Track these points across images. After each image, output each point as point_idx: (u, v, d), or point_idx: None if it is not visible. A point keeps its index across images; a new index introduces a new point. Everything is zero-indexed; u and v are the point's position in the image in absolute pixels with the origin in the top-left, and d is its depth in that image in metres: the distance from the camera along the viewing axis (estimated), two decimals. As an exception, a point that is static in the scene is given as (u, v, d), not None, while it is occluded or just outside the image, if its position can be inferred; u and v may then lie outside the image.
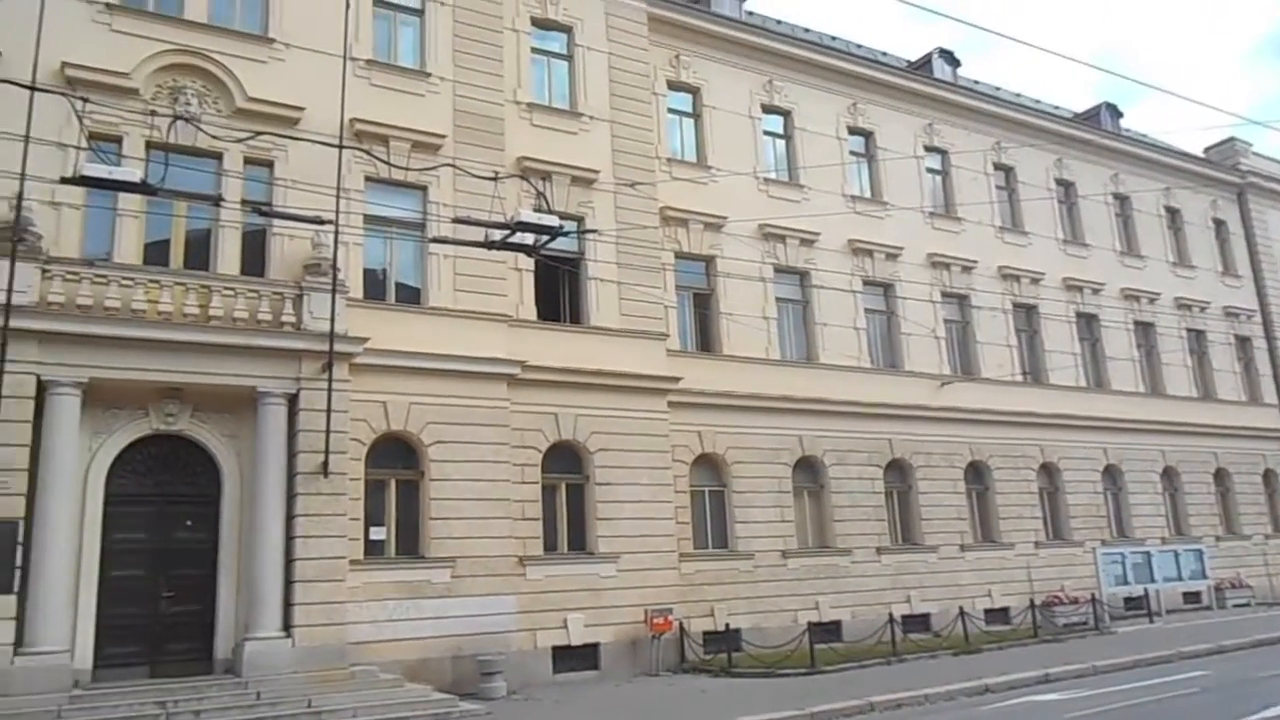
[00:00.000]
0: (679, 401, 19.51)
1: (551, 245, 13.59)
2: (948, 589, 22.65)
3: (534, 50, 19.76)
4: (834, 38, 28.76)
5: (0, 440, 12.69)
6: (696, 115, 22.61)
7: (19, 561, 12.62)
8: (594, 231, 15.63)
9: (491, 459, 16.76)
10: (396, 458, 16.42)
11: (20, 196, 13.20)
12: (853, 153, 24.92)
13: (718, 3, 24.32)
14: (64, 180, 10.10)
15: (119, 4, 15.56)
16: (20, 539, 12.66)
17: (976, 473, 24.59)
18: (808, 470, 21.85)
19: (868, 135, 25.33)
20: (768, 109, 23.62)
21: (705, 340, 21.38)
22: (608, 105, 20.14)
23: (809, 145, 23.92)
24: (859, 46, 28.75)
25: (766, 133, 23.55)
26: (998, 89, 31.12)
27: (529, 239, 12.25)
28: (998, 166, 27.75)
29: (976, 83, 30.53)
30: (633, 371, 18.78)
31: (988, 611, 22.93)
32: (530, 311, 18.18)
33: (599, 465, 18.14)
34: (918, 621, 21.50)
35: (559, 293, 19.00)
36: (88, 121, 14.04)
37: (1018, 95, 31.25)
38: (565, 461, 18.12)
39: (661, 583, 18.08)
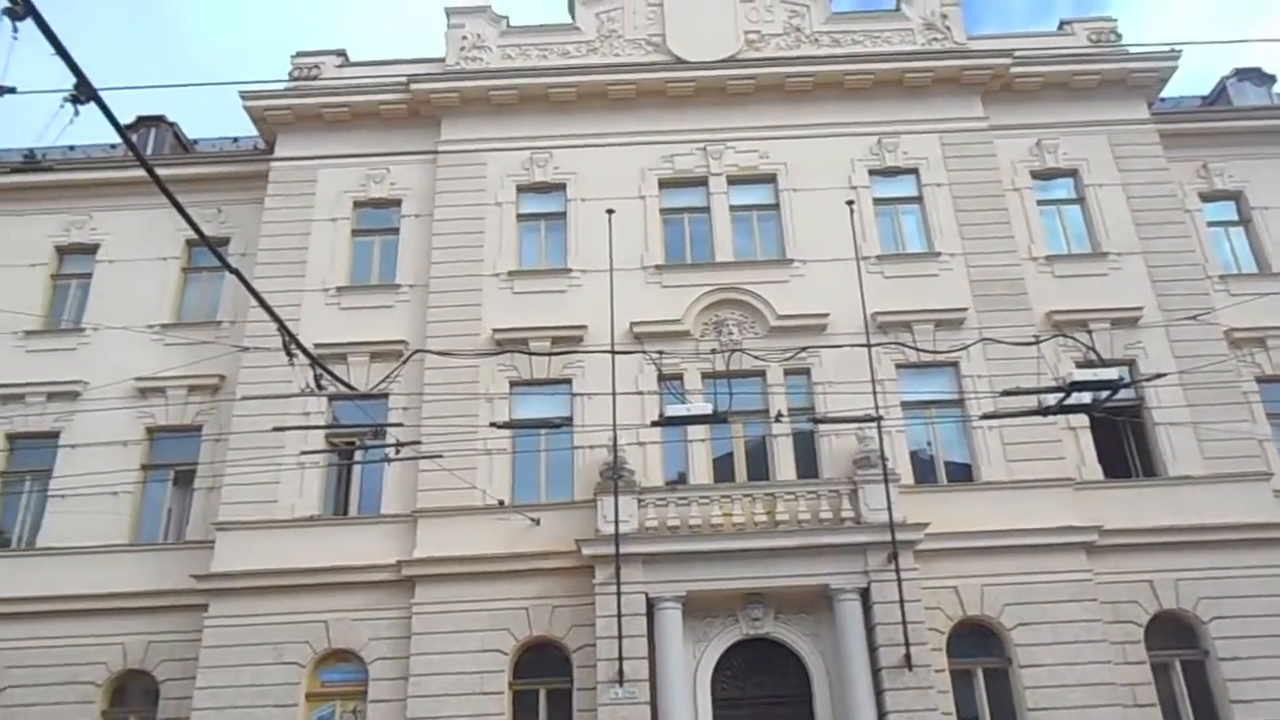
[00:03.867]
0: (1307, 551, 16.24)
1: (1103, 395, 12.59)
2: None
3: (1040, 203, 19.22)
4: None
5: (627, 654, 14.41)
6: (1245, 221, 19.98)
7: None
8: (1159, 376, 14.16)
9: (1085, 639, 15.20)
10: (978, 645, 15.63)
11: (615, 441, 15.53)
12: None
13: (1238, 94, 21.83)
14: (654, 423, 11.78)
15: (665, 264, 18.22)
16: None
17: None
18: None
19: None
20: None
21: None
22: (1134, 237, 18.66)
23: None
24: None
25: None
26: None
27: (1085, 397, 11.45)
28: None
29: None
30: (1235, 522, 16.14)
31: None
32: (1094, 471, 16.74)
33: (1219, 637, 15.52)
34: None
35: (1123, 446, 17.31)
36: (654, 367, 16.44)
37: None
38: (1170, 636, 15.81)
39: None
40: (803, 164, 18.97)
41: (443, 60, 20.23)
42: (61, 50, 6.88)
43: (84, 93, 7.08)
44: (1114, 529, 15.94)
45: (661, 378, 16.52)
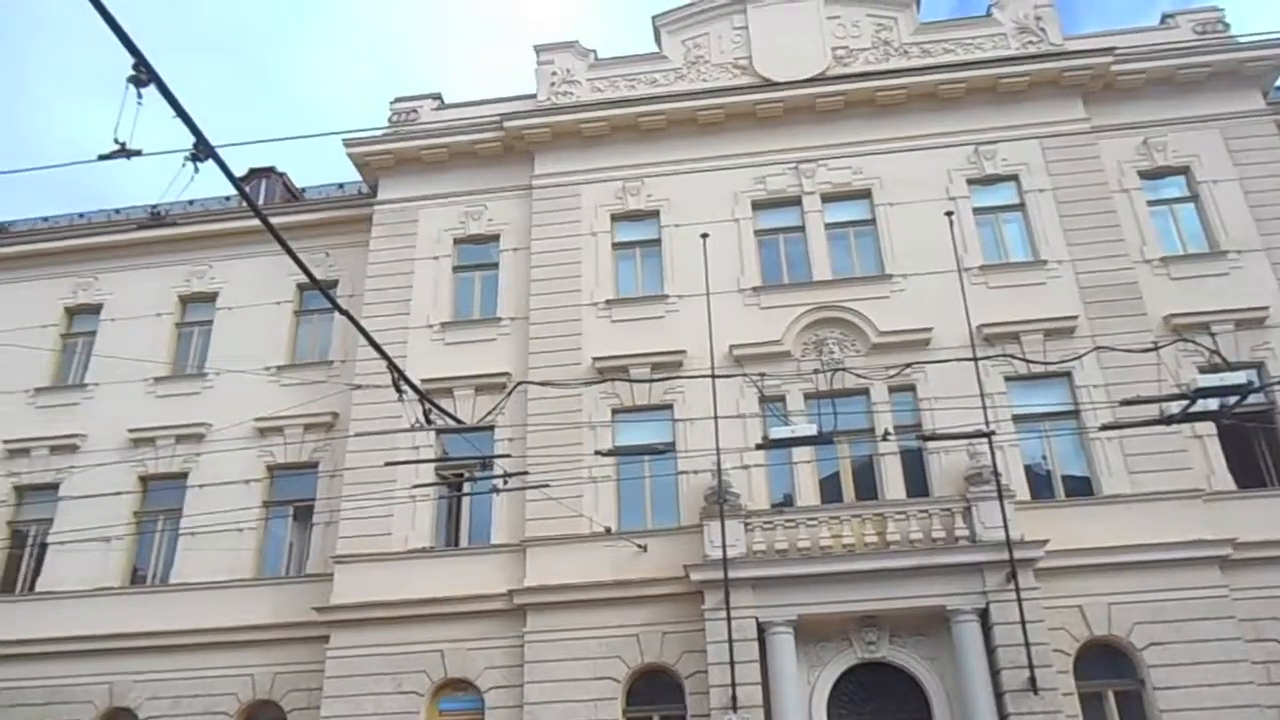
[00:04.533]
0: None
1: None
2: None
3: (1150, 203, 18.49)
4: None
5: (740, 680, 14.27)
6: (1376, 209, 18.83)
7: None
8: (1290, 377, 13.44)
9: (1223, 658, 14.40)
10: (1107, 666, 14.99)
11: (719, 466, 15.47)
12: None
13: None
14: (759, 446, 11.72)
15: (762, 285, 18.15)
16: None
17: None
18: None
19: None
20: None
21: None
22: (1255, 233, 17.79)
23: None
24: None
25: None
26: None
27: (1211, 403, 10.94)
28: None
29: None
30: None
31: None
32: (1225, 481, 15.93)
33: (1374, 656, 14.54)
34: None
35: (1255, 453, 16.43)
36: (755, 389, 16.37)
37: None
38: (1320, 654, 14.88)
39: None
40: (898, 177, 18.71)
41: (534, 97, 20.69)
42: (182, 113, 7.29)
43: (203, 151, 7.48)
44: (1250, 541, 15.12)
45: (763, 400, 16.43)
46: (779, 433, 11.11)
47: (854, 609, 14.97)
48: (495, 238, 19.87)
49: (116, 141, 7.32)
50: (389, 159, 20.47)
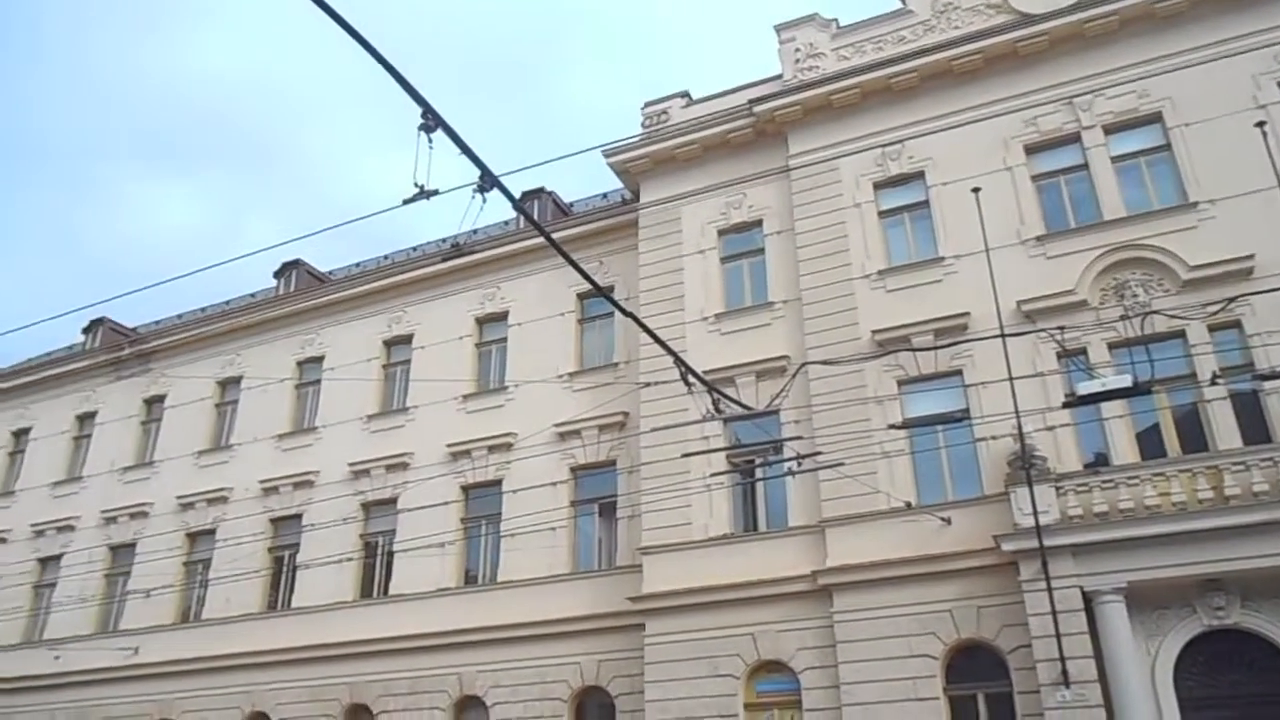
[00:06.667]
0: None
1: None
2: None
3: None
4: None
5: (1068, 654, 13.45)
6: None
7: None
8: None
9: None
10: None
11: (1020, 429, 14.65)
12: None
13: None
14: (1065, 404, 10.99)
15: (1046, 234, 16.98)
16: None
17: None
18: None
19: None
20: None
21: None
22: None
23: None
24: None
25: None
26: None
27: None
28: None
29: None
30: None
31: None
32: None
33: None
34: None
35: None
36: (1051, 344, 15.35)
37: None
38: None
39: None
40: (1192, 94, 16.82)
41: (780, 77, 20.57)
42: (468, 151, 7.93)
43: (488, 182, 8.10)
44: None
45: (1062, 354, 15.35)
46: (1087, 388, 10.32)
47: (1193, 572, 13.63)
48: (758, 224, 19.95)
49: (416, 185, 8.05)
50: (646, 162, 21.12)
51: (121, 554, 25.30)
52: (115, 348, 28.23)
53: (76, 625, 24.62)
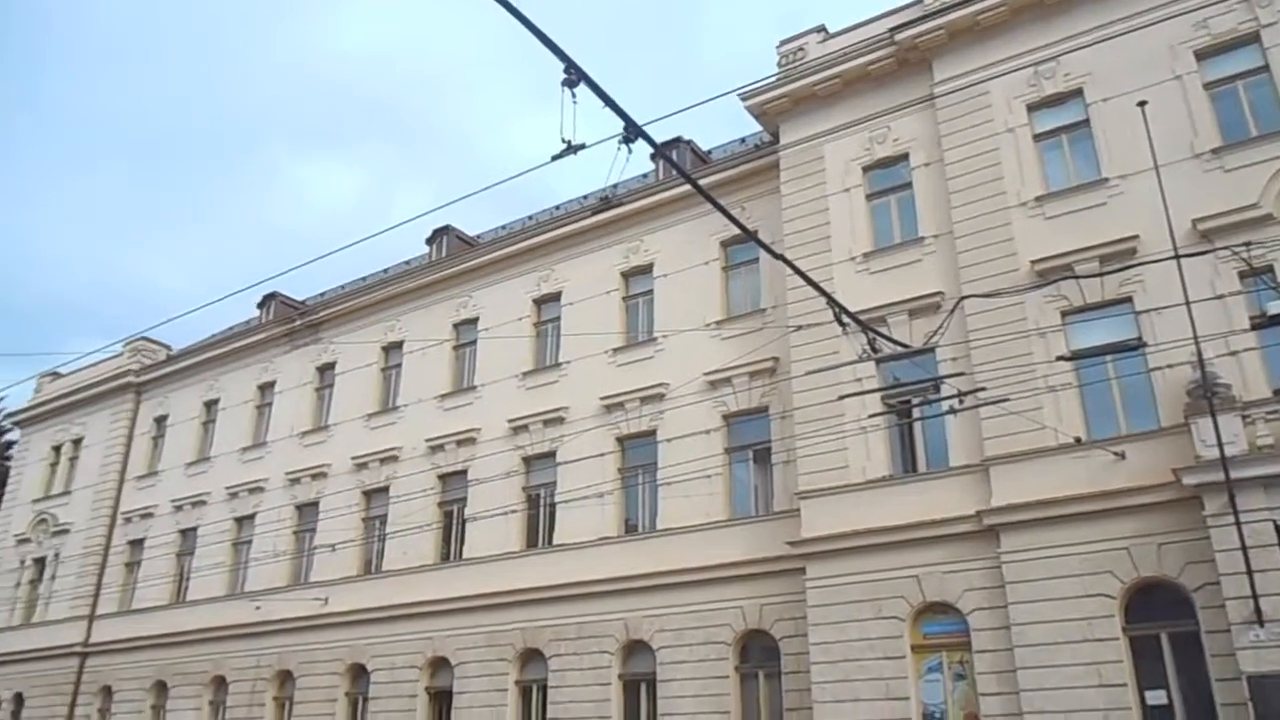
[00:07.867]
0: None
1: None
2: None
3: None
4: None
5: (1261, 591, 12.66)
6: None
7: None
8: None
9: None
10: None
11: (1199, 355, 13.75)
12: None
13: None
14: (1255, 325, 10.25)
15: (1223, 145, 15.75)
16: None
17: None
18: None
19: None
20: None
21: None
22: None
23: None
24: None
25: None
26: None
27: None
28: None
29: None
30: None
31: None
32: None
33: None
34: None
35: None
36: (1232, 264, 14.32)
37: None
38: None
39: None
40: (1394, -24, 15.18)
41: (921, 1, 19.69)
42: (610, 103, 7.97)
43: (632, 133, 8.15)
44: None
45: (1246, 274, 14.26)
46: (1277, 307, 9.58)
47: (1404, 501, 12.63)
48: (904, 157, 19.28)
49: (563, 140, 8.16)
50: (785, 102, 20.69)
51: (306, 512, 27.11)
52: (287, 320, 30.00)
53: (272, 578, 26.59)
